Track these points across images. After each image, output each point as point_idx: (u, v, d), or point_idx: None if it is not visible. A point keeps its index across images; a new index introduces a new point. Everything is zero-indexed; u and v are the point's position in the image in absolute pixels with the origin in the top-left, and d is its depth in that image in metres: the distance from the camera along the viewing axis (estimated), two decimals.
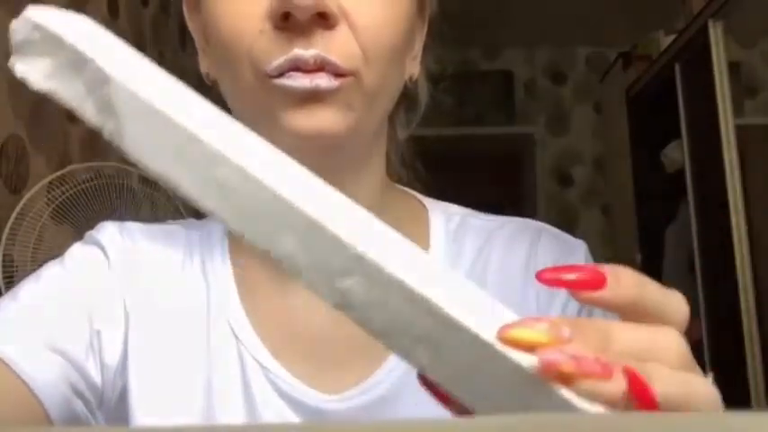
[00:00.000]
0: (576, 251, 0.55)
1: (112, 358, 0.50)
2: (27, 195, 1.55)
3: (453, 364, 0.24)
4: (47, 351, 0.47)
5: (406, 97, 0.57)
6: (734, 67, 2.49)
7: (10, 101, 1.60)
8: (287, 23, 0.43)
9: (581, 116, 4.24)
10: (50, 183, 1.63)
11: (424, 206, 0.58)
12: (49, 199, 1.61)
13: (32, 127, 1.69)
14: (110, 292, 0.52)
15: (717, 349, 2.53)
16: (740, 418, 0.17)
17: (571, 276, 0.26)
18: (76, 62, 0.27)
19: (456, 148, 3.67)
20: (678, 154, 2.91)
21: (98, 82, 0.26)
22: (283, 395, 0.50)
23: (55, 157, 1.80)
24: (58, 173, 1.65)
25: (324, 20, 0.43)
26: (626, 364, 0.24)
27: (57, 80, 0.27)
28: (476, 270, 0.54)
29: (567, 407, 0.23)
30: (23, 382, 0.45)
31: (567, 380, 0.23)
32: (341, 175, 0.49)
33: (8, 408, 0.44)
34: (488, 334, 0.24)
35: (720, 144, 2.35)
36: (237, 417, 0.50)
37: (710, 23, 2.39)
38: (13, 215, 1.51)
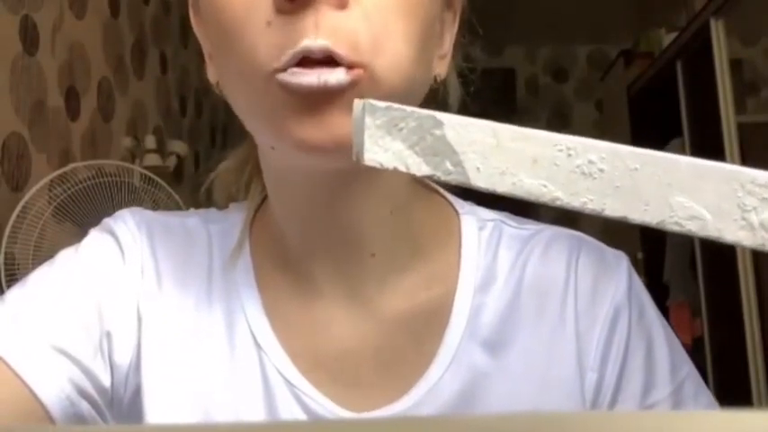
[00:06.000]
0: (618, 266, 0.52)
1: (124, 358, 0.48)
2: (29, 194, 1.55)
3: None
4: (50, 351, 0.46)
5: (433, 100, 0.51)
6: (735, 65, 2.49)
7: (11, 99, 1.60)
8: (294, 2, 0.38)
9: (582, 113, 4.23)
10: (52, 181, 1.63)
11: (455, 212, 0.54)
12: (50, 197, 1.61)
13: (34, 125, 1.69)
14: (122, 290, 0.50)
15: (718, 346, 2.53)
16: (741, 416, 0.17)
17: None
18: (390, 125, 0.30)
19: None
20: (679, 152, 2.91)
21: (426, 131, 0.29)
22: (307, 410, 0.48)
23: (56, 155, 1.80)
24: (60, 171, 1.65)
25: None
26: None
27: (376, 154, 0.30)
28: (510, 283, 0.51)
29: None
30: (24, 382, 0.44)
31: None
32: (354, 185, 0.46)
33: (7, 408, 0.44)
34: None
35: (722, 142, 2.34)
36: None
37: (712, 21, 2.38)
38: (15, 213, 1.51)
